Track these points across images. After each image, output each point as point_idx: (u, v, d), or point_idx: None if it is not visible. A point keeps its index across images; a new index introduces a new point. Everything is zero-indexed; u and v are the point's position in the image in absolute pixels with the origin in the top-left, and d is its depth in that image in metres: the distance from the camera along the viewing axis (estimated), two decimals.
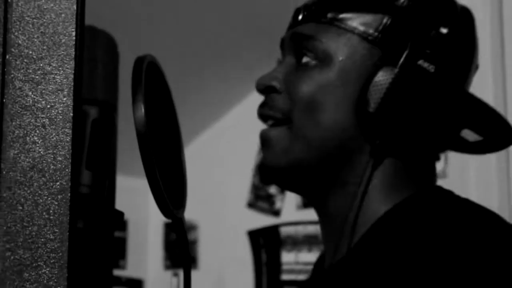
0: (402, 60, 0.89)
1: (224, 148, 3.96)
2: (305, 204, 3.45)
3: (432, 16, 0.91)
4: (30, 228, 0.58)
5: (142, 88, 0.70)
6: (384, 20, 0.91)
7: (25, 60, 0.60)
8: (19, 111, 0.59)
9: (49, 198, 0.59)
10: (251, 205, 3.77)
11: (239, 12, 3.15)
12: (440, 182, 0.98)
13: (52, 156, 0.59)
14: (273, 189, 3.68)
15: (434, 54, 0.89)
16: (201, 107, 3.80)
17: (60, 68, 0.60)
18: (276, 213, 3.65)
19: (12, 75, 0.59)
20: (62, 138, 0.59)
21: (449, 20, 0.91)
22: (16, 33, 0.60)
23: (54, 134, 0.59)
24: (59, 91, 0.59)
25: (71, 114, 0.59)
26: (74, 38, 0.60)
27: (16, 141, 0.59)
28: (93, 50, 1.01)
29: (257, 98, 0.99)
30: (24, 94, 0.59)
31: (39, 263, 0.58)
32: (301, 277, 3.44)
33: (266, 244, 3.63)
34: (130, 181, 3.25)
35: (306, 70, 0.94)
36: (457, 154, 1.02)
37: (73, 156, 0.59)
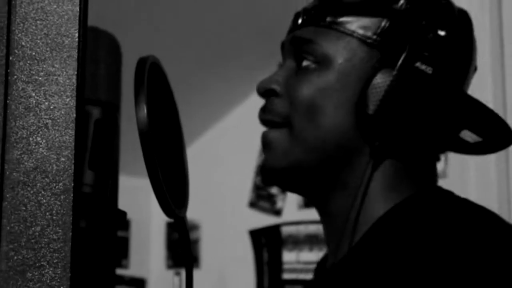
0: (400, 62, 0.89)
1: (226, 148, 3.96)
2: (306, 204, 3.45)
3: (429, 19, 0.91)
4: (33, 228, 0.58)
5: (144, 88, 0.70)
6: (383, 24, 0.92)
7: (28, 62, 0.60)
8: (22, 112, 0.59)
9: (52, 199, 0.59)
10: (253, 204, 3.77)
11: (241, 13, 3.15)
12: (440, 182, 0.98)
13: (55, 156, 0.59)
14: (274, 189, 3.68)
15: (432, 56, 0.90)
16: (203, 108, 3.80)
17: (63, 70, 0.60)
18: (278, 212, 3.66)
19: (16, 76, 0.59)
20: (65, 139, 0.59)
21: (446, 22, 0.92)
22: (19, 35, 0.60)
23: (57, 135, 0.59)
24: (62, 92, 0.60)
25: (74, 115, 0.60)
26: (77, 39, 0.60)
27: (20, 142, 0.59)
28: (96, 50, 1.02)
29: (259, 99, 1.00)
30: (28, 95, 0.60)
31: (42, 263, 0.58)
32: (302, 276, 3.45)
33: (267, 244, 3.64)
34: (133, 181, 3.25)
35: (306, 73, 0.95)
36: (457, 155, 1.02)
37: (76, 157, 0.59)
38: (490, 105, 0.95)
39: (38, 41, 0.60)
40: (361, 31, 0.92)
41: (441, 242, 0.82)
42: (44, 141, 0.59)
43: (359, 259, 0.90)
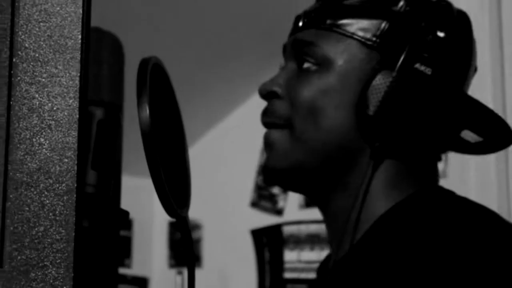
0: (399, 63, 0.90)
1: (228, 149, 3.96)
2: (308, 204, 3.46)
3: (429, 21, 0.92)
4: (36, 229, 0.59)
5: (147, 89, 0.70)
6: (382, 25, 0.92)
7: (31, 63, 0.60)
8: (25, 113, 0.60)
9: (55, 199, 0.59)
10: (254, 204, 3.77)
11: (242, 13, 3.15)
12: (440, 182, 0.99)
13: (58, 157, 0.59)
14: (276, 189, 3.68)
15: (431, 58, 0.90)
16: (205, 108, 3.80)
17: (66, 71, 0.60)
18: (279, 212, 3.66)
19: (19, 78, 0.60)
20: (68, 140, 0.60)
21: (445, 24, 0.92)
22: (22, 36, 0.60)
23: (60, 136, 0.60)
24: (65, 94, 0.60)
25: (77, 116, 0.60)
26: (80, 41, 0.60)
27: (23, 142, 0.59)
28: (99, 51, 1.02)
29: (260, 99, 1.00)
30: (31, 96, 0.60)
31: (45, 263, 0.58)
32: (304, 275, 3.45)
33: (269, 243, 3.64)
34: (135, 181, 3.25)
35: (307, 75, 0.95)
36: (457, 155, 1.02)
37: (79, 157, 0.60)
38: (490, 105, 0.95)
39: (41, 43, 0.60)
40: (361, 33, 0.93)
41: (441, 240, 0.82)
42: (47, 142, 0.59)
43: (360, 256, 0.91)
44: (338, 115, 0.93)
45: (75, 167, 0.59)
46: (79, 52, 0.60)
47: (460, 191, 0.94)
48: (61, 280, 0.58)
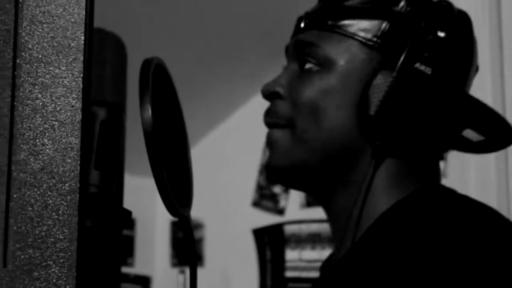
0: (399, 63, 0.90)
1: (230, 149, 3.97)
2: (309, 203, 3.47)
3: (429, 21, 0.92)
4: (39, 228, 0.59)
5: (149, 89, 0.71)
6: (383, 26, 0.93)
7: (35, 64, 0.60)
8: (29, 114, 0.60)
9: (58, 199, 0.59)
10: (256, 204, 3.78)
11: (244, 14, 3.15)
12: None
13: (61, 158, 0.60)
14: (277, 189, 3.69)
15: (431, 57, 0.90)
16: (207, 109, 3.80)
17: (69, 72, 0.60)
18: (281, 211, 3.66)
19: (23, 79, 0.60)
20: (71, 141, 0.60)
21: (446, 24, 0.92)
22: (26, 38, 0.61)
23: (63, 136, 0.60)
24: (68, 94, 0.60)
25: (80, 117, 0.60)
26: (83, 42, 0.61)
27: (26, 143, 0.60)
28: (102, 52, 1.02)
29: (261, 100, 1.01)
30: (34, 97, 0.60)
31: (48, 262, 0.58)
32: (305, 274, 3.45)
33: (270, 242, 3.64)
34: (138, 181, 3.25)
35: (309, 76, 0.96)
36: (457, 154, 1.03)
37: (82, 158, 0.60)
38: (489, 105, 0.95)
39: (45, 44, 0.61)
40: (362, 34, 0.94)
41: (442, 237, 0.83)
42: (50, 142, 0.60)
43: (361, 253, 0.91)
44: (339, 115, 0.94)
45: (78, 167, 0.60)
46: (82, 53, 0.61)
47: (460, 190, 0.95)
48: (64, 279, 0.58)
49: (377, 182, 0.94)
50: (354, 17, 0.94)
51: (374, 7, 0.94)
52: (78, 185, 0.59)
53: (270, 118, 0.99)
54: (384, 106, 0.90)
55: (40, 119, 0.60)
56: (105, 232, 0.68)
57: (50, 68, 0.60)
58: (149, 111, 0.70)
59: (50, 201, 0.59)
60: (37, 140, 0.60)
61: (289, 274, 3.53)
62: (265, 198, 3.75)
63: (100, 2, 0.64)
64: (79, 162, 0.60)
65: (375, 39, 0.93)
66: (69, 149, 0.60)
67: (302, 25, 0.99)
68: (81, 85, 0.60)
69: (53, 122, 0.60)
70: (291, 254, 3.54)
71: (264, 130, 1.00)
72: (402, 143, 0.93)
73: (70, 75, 0.60)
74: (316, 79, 0.95)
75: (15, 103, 0.60)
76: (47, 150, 0.60)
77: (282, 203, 3.67)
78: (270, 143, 0.99)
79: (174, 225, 4.21)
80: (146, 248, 4.24)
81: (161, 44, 3.13)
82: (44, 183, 0.59)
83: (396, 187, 0.94)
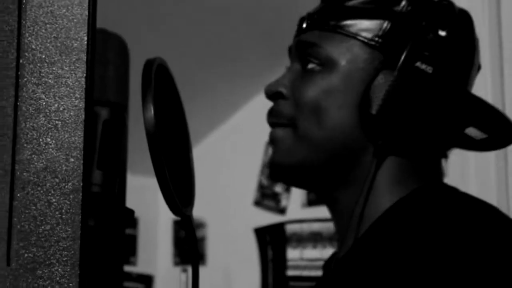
0: (400, 62, 0.90)
1: (231, 149, 3.97)
2: (310, 203, 3.47)
3: (430, 20, 0.93)
4: (43, 227, 0.59)
5: (152, 90, 0.71)
6: (384, 25, 0.93)
7: (38, 64, 0.61)
8: (32, 114, 0.60)
9: (62, 198, 0.60)
10: (258, 203, 3.78)
11: (245, 14, 3.15)
12: None
13: (64, 157, 0.60)
14: (279, 188, 3.69)
15: (432, 56, 0.91)
16: (209, 109, 3.80)
17: (72, 72, 0.61)
18: (282, 211, 3.67)
19: (26, 79, 0.61)
20: (74, 140, 0.60)
21: (446, 23, 0.93)
22: (29, 38, 0.61)
23: (66, 136, 0.60)
24: (71, 94, 0.61)
25: (83, 117, 0.61)
26: (85, 43, 0.61)
27: (30, 142, 0.60)
28: (105, 52, 1.03)
29: (263, 100, 1.01)
30: (38, 97, 0.61)
31: (51, 260, 0.59)
32: (306, 273, 3.46)
33: (272, 241, 3.65)
34: (140, 180, 3.26)
35: (311, 75, 0.96)
36: (457, 153, 1.03)
37: (85, 157, 0.60)
38: None
39: (48, 44, 0.61)
40: (363, 34, 0.94)
41: (443, 235, 0.83)
42: (53, 141, 0.60)
43: (363, 251, 0.92)
44: (341, 115, 0.94)
45: (81, 167, 0.60)
46: (85, 53, 0.61)
47: (460, 189, 0.95)
48: (67, 277, 0.59)
49: (379, 180, 0.95)
50: (355, 17, 0.95)
51: (375, 7, 0.94)
52: (81, 184, 0.60)
53: (273, 118, 1.00)
54: (385, 105, 0.90)
55: (44, 118, 0.60)
56: (108, 231, 0.69)
57: (53, 68, 0.61)
58: (151, 111, 0.70)
59: (53, 200, 0.60)
60: (41, 140, 0.60)
61: (290, 272, 3.54)
62: (266, 198, 3.75)
63: (101, 2, 0.64)
64: (82, 162, 0.60)
65: (376, 39, 0.93)
66: (72, 148, 0.60)
67: (304, 25, 0.99)
68: (84, 85, 0.61)
69: (56, 122, 0.60)
70: (292, 253, 3.54)
71: (265, 130, 1.01)
72: (404, 142, 0.93)
73: (73, 75, 0.61)
74: (318, 79, 0.96)
75: (18, 103, 0.60)
76: (50, 149, 0.60)
77: (283, 202, 3.67)
78: (273, 141, 1.00)
79: (176, 224, 4.22)
80: (149, 247, 4.25)
81: (162, 45, 3.12)
82: (47, 182, 0.60)
83: (398, 185, 0.95)
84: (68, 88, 0.61)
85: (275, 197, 3.70)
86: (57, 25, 0.61)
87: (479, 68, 0.99)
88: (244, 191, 3.83)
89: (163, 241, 4.31)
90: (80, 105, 0.61)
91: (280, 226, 3.60)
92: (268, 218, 3.69)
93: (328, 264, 1.08)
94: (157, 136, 0.70)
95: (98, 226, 0.67)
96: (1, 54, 0.60)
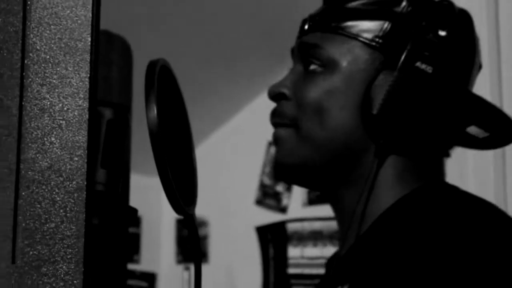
0: (400, 62, 0.91)
1: (233, 149, 3.97)
2: (311, 201, 3.48)
3: (430, 20, 0.93)
4: (47, 225, 0.60)
5: (155, 90, 0.71)
6: (385, 26, 0.94)
7: (42, 65, 0.61)
8: (37, 113, 0.61)
9: (66, 197, 0.60)
10: (259, 202, 3.78)
11: (247, 15, 3.15)
12: None
13: (68, 156, 0.61)
14: (280, 187, 3.69)
15: (432, 56, 0.91)
16: (211, 109, 3.80)
17: (76, 72, 0.61)
18: (283, 210, 3.67)
19: (31, 79, 0.61)
20: (78, 139, 0.61)
21: (446, 23, 0.93)
22: (34, 39, 0.61)
23: (70, 135, 0.61)
24: (75, 94, 0.61)
25: (87, 116, 0.61)
26: (89, 43, 0.62)
27: (35, 142, 0.60)
28: (109, 54, 1.03)
29: (264, 101, 1.02)
30: (42, 97, 0.61)
31: (56, 258, 0.59)
32: (307, 271, 3.46)
33: (273, 240, 3.65)
34: (144, 179, 3.26)
35: (313, 76, 0.97)
36: (455, 152, 1.03)
37: (89, 156, 0.61)
38: None
39: (52, 45, 0.62)
40: (364, 35, 0.94)
41: (444, 232, 0.83)
42: (58, 141, 0.61)
43: (364, 248, 0.92)
44: (343, 115, 0.95)
45: (85, 166, 0.60)
46: (89, 54, 0.62)
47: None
48: (72, 275, 0.59)
49: (381, 179, 0.95)
50: (356, 18, 0.95)
51: (376, 8, 0.95)
52: (85, 183, 0.60)
53: (276, 118, 1.00)
54: (386, 105, 0.91)
55: (48, 118, 0.61)
56: (111, 229, 0.69)
57: (58, 69, 0.61)
58: (154, 111, 0.70)
59: (58, 199, 0.60)
60: (45, 139, 0.61)
61: (291, 270, 3.54)
62: (268, 197, 3.75)
63: (102, 3, 0.65)
64: (86, 161, 0.60)
65: (377, 40, 0.94)
66: (76, 147, 0.61)
67: (306, 27, 1.00)
68: (88, 85, 0.61)
69: (61, 122, 0.61)
70: (293, 251, 3.54)
71: (266, 130, 1.01)
72: (405, 141, 0.94)
73: (77, 75, 0.61)
74: (320, 80, 0.96)
75: (23, 103, 0.60)
76: (55, 148, 0.60)
77: (284, 201, 3.68)
78: (276, 141, 1.01)
79: (179, 223, 4.22)
80: (152, 245, 4.25)
81: (162, 45, 3.12)
82: (52, 181, 0.60)
83: (400, 184, 0.95)
84: (72, 88, 0.61)
85: (276, 196, 3.71)
86: (61, 26, 0.62)
87: (480, 67, 1.00)
88: (246, 190, 3.83)
89: (166, 239, 4.31)
90: (84, 105, 0.61)
91: (281, 225, 3.61)
92: (270, 217, 3.69)
93: (331, 262, 1.08)
94: (160, 136, 0.70)
95: (102, 224, 0.67)
96: (6, 54, 0.61)
